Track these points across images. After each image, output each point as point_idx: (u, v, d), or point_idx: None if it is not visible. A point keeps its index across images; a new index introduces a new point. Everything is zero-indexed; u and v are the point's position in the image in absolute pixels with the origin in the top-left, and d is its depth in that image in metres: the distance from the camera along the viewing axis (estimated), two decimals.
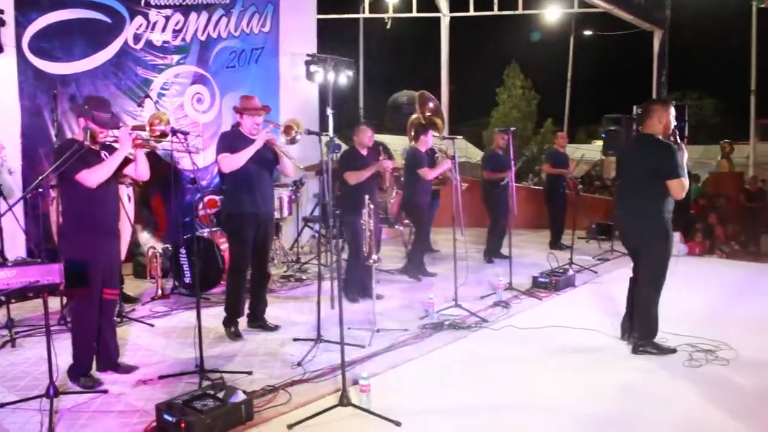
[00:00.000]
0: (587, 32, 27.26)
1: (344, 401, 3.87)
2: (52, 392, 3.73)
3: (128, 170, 4.55)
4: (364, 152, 6.58)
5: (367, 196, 5.81)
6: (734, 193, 12.65)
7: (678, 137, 4.97)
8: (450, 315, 5.98)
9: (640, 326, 5.12)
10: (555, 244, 9.77)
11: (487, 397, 4.23)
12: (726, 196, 12.14)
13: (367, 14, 17.83)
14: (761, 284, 7.87)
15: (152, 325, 5.72)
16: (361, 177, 6.39)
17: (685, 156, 4.90)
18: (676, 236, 9.94)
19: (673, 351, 5.04)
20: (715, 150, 17.89)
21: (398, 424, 3.70)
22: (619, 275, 8.16)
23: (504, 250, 8.50)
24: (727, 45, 26.58)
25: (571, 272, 7.61)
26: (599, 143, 22.80)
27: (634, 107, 11.43)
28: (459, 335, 5.53)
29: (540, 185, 14.46)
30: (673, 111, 5.01)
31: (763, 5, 15.13)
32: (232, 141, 5.32)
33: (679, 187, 4.79)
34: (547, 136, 34.27)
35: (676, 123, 5.02)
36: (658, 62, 14.11)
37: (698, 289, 7.21)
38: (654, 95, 14.15)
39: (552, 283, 7.18)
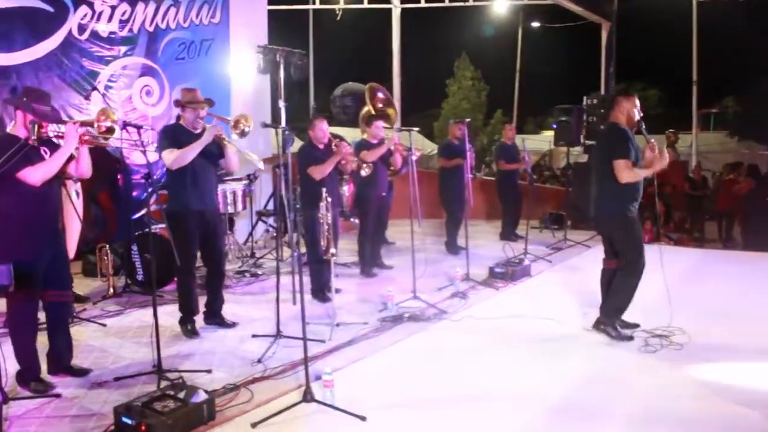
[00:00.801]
0: (536, 24, 27.62)
1: (308, 397, 3.82)
2: (1, 398, 3.57)
3: (69, 167, 4.38)
4: (321, 147, 6.48)
5: (324, 189, 5.75)
6: (679, 182, 12.97)
7: (644, 129, 5.09)
8: (409, 307, 5.98)
9: (608, 304, 5.25)
10: (508, 235, 9.82)
11: (451, 389, 4.23)
12: (672, 184, 12.43)
13: (317, 5, 17.67)
14: (707, 269, 8.11)
15: (105, 325, 5.56)
16: (326, 169, 6.27)
17: (656, 147, 5.01)
18: None
19: (630, 339, 5.13)
20: (660, 139, 18.31)
21: (363, 418, 3.67)
22: (573, 264, 8.33)
23: (460, 241, 8.53)
24: (669, 37, 27.22)
25: (526, 262, 7.68)
26: (548, 133, 23.19)
27: (584, 98, 11.64)
28: (419, 327, 5.54)
29: (491, 176, 14.58)
30: (636, 102, 5.09)
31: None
32: (176, 136, 5.17)
33: (622, 168, 4.86)
34: (497, 127, 34.61)
35: (641, 115, 5.09)
36: (606, 54, 14.31)
37: (649, 276, 7.37)
38: (602, 86, 14.38)
39: (508, 273, 7.24)
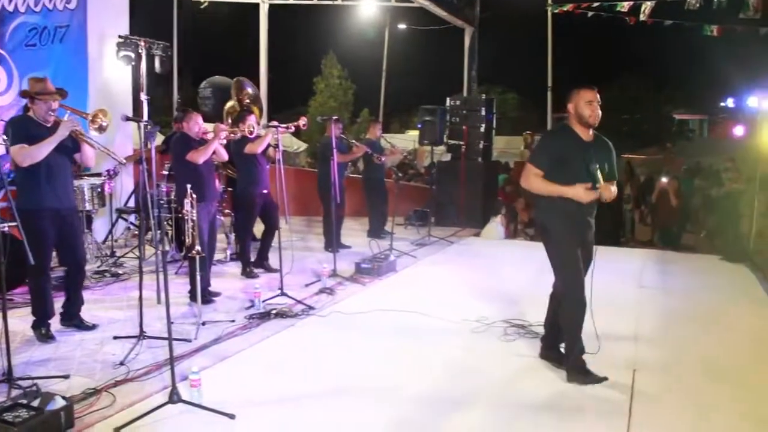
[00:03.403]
0: (402, 26, 28.20)
1: (174, 398, 3.74)
2: None
3: None
4: (197, 139, 6.29)
5: (189, 185, 5.62)
6: None
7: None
8: (276, 304, 5.97)
9: (566, 344, 4.50)
10: (377, 232, 9.97)
11: (320, 384, 4.29)
12: None
13: None
14: None
15: None
16: (208, 152, 6.06)
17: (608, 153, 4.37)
18: (498, 219, 10.65)
19: (605, 379, 4.29)
20: (517, 141, 19.42)
21: (232, 417, 3.65)
22: (436, 259, 8.65)
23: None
24: (527, 44, 28.71)
25: (392, 258, 7.88)
26: (413, 133, 23.76)
27: (448, 99, 12.08)
28: (287, 324, 5.55)
29: (357, 174, 14.75)
30: (588, 96, 4.29)
31: (556, 11, 16.61)
32: (26, 129, 4.83)
33: (524, 171, 4.41)
34: (363, 125, 35.04)
35: (591, 111, 4.27)
36: (469, 57, 14.93)
37: (510, 269, 7.82)
38: (465, 89, 14.96)
39: (374, 268, 7.39)
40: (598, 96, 4.30)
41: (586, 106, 4.27)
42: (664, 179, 12.31)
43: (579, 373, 4.28)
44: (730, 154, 11.47)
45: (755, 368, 4.73)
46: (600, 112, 4.30)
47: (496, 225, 10.56)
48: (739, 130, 14.53)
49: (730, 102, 31.78)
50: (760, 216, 9.21)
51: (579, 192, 4.18)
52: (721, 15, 12.41)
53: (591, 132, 4.36)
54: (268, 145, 7.21)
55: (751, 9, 11.15)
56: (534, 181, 4.34)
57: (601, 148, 4.39)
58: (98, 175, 7.61)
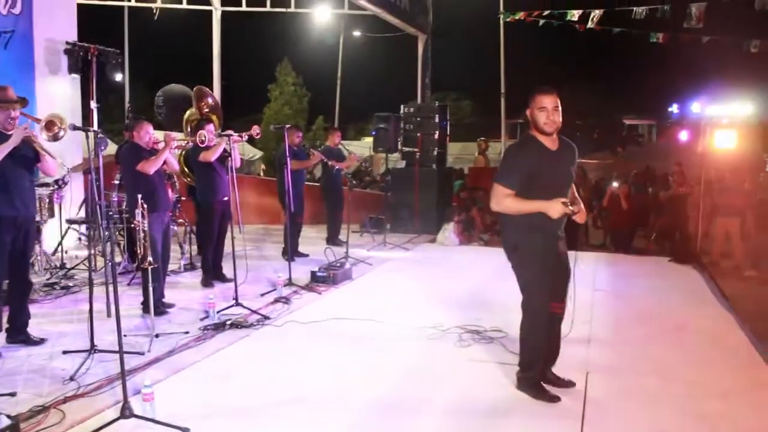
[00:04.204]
0: (356, 33, 28.31)
1: (126, 413, 3.67)
2: None
3: None
4: (147, 149, 6.18)
5: (140, 195, 5.53)
6: (490, 187, 13.90)
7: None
8: (231, 314, 5.91)
9: (520, 355, 4.36)
10: (334, 239, 9.96)
11: (276, 394, 4.26)
12: (484, 189, 13.29)
13: (133, 3, 16.83)
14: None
15: None
16: (159, 161, 5.94)
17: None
18: (450, 227, 10.73)
19: (558, 399, 4.13)
20: (472, 147, 19.67)
21: (186, 430, 3.60)
22: (392, 266, 8.66)
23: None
24: (481, 52, 29.05)
25: (347, 265, 7.87)
26: (368, 140, 23.86)
27: (402, 106, 12.15)
28: (242, 334, 5.50)
29: (314, 182, 14.71)
30: (543, 102, 3.95)
31: (508, 19, 16.90)
32: None
33: (493, 191, 4.06)
34: (318, 133, 35.01)
35: (545, 118, 3.94)
36: (422, 65, 15.09)
37: (465, 275, 7.90)
38: (419, 96, 15.08)
39: (330, 276, 7.36)
40: (556, 100, 3.96)
41: (540, 114, 3.94)
42: (615, 184, 12.57)
43: (532, 388, 4.19)
44: (677, 159, 11.78)
45: (704, 367, 4.87)
46: (558, 119, 3.95)
47: (448, 233, 10.65)
48: (683, 135, 14.96)
49: (675, 108, 32.70)
50: (705, 218, 9.49)
51: (556, 208, 3.86)
52: (666, 24, 12.82)
53: (555, 137, 4.05)
54: (226, 154, 7.09)
55: (695, 19, 11.58)
56: (505, 201, 3.99)
57: (567, 154, 4.12)
58: (47, 185, 7.44)
